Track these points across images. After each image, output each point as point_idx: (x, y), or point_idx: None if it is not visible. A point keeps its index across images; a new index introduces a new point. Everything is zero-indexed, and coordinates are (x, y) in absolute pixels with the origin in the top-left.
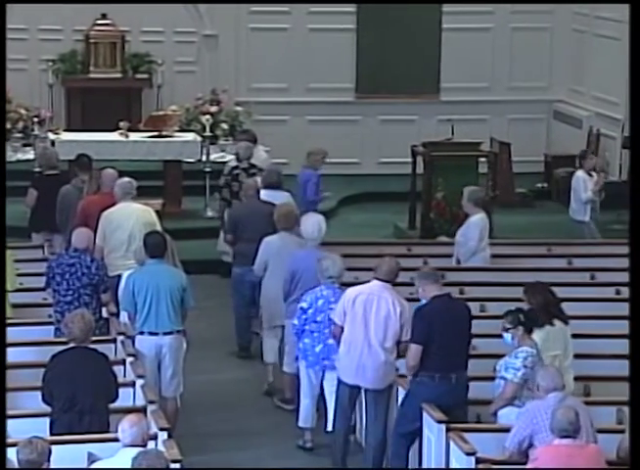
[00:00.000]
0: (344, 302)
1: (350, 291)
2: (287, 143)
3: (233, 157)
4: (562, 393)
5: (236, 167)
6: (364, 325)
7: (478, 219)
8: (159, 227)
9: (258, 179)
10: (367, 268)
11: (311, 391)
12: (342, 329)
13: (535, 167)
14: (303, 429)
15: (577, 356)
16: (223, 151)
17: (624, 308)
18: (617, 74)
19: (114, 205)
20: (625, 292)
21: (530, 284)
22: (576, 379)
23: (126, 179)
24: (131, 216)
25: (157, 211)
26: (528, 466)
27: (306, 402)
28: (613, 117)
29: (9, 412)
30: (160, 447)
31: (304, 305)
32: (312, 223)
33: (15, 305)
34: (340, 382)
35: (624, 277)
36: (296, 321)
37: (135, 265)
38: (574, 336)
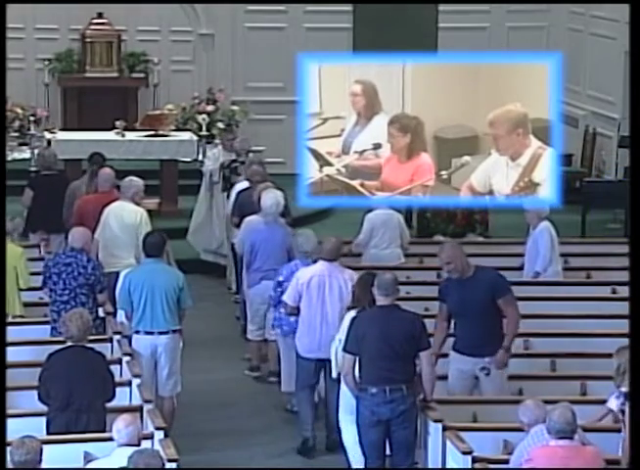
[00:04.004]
0: (298, 284)
1: (302, 274)
2: (283, 142)
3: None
4: (544, 425)
5: (234, 161)
6: (321, 305)
7: (371, 215)
8: (144, 229)
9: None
10: (363, 267)
11: (290, 357)
12: (299, 309)
13: None
14: (288, 394)
15: (573, 355)
16: None
17: (621, 307)
18: (614, 74)
19: (110, 203)
20: (621, 291)
21: (365, 273)
22: (573, 378)
23: (128, 178)
24: (117, 216)
25: (149, 211)
26: (522, 465)
27: (287, 368)
28: (609, 116)
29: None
30: (157, 447)
31: (280, 278)
32: (271, 198)
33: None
34: (301, 358)
35: (621, 276)
36: (272, 293)
37: (120, 263)
38: (571, 335)
